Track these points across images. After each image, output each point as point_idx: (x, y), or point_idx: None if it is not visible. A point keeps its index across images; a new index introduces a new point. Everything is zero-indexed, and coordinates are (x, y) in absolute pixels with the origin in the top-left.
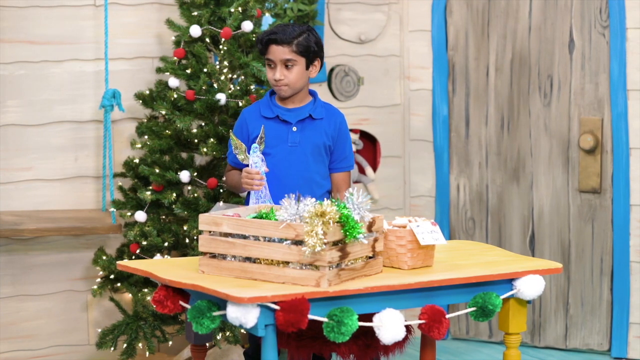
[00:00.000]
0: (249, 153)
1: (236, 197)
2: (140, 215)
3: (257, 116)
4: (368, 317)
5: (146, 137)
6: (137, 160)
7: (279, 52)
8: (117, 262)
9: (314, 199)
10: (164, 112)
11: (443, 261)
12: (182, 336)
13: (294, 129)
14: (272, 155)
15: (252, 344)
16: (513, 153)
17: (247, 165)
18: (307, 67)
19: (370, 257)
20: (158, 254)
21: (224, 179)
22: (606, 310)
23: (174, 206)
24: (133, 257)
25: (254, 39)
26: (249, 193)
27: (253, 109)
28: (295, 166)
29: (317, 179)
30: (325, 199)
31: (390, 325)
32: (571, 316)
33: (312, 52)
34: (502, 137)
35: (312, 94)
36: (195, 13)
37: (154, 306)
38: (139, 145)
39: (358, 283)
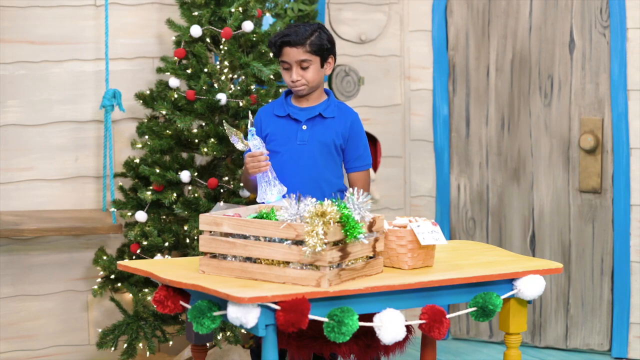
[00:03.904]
0: (246, 139)
1: (237, 197)
2: (141, 215)
3: (270, 115)
4: (368, 317)
5: (147, 137)
6: (137, 160)
7: (293, 53)
8: (118, 262)
9: (314, 199)
10: (164, 112)
11: (443, 261)
12: (183, 336)
13: (304, 127)
14: (281, 154)
15: (256, 342)
16: (513, 153)
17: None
18: (322, 65)
19: (370, 257)
20: (158, 254)
21: (240, 176)
22: (606, 310)
23: (174, 206)
24: (133, 257)
25: (254, 39)
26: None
27: (268, 108)
28: (304, 164)
29: (327, 177)
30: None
31: (390, 325)
32: (571, 316)
33: (326, 50)
34: (503, 137)
35: (328, 93)
36: (196, 13)
37: (155, 306)
38: (140, 145)
39: (358, 283)
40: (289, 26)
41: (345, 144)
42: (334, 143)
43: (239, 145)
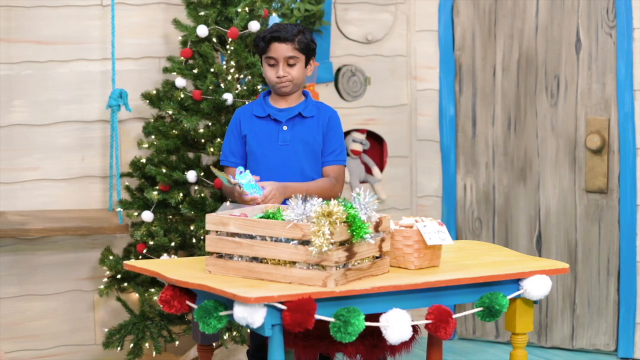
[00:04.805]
0: (234, 178)
1: None
2: (147, 215)
3: (249, 115)
4: (375, 317)
5: (153, 137)
6: (144, 160)
7: (281, 49)
8: (124, 262)
9: (320, 199)
10: (170, 112)
11: (450, 261)
12: (189, 336)
13: (285, 127)
14: (263, 155)
15: (252, 344)
16: (520, 153)
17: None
18: (305, 65)
19: (377, 257)
20: (165, 254)
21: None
22: (613, 311)
23: (180, 206)
24: (140, 257)
25: None
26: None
27: (247, 108)
28: (288, 165)
29: (314, 177)
30: None
31: (397, 325)
32: (578, 316)
33: (311, 50)
34: (509, 137)
35: (305, 94)
36: (202, 13)
37: (161, 306)
38: (146, 145)
39: (365, 283)
40: (275, 25)
41: (323, 138)
42: (316, 142)
43: (232, 185)
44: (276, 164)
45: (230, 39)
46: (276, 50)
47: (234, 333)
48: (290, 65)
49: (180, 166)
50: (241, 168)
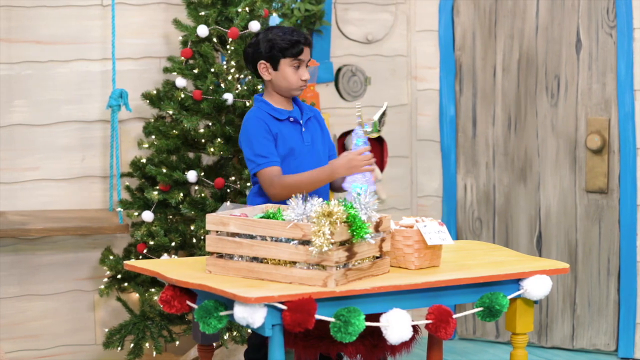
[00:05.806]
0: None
1: (243, 197)
2: (148, 215)
3: (270, 117)
4: (375, 317)
5: (153, 137)
6: (144, 160)
7: (307, 52)
8: (124, 262)
9: (320, 199)
10: (171, 112)
11: (450, 261)
12: (189, 336)
13: (303, 129)
14: (294, 157)
15: (250, 345)
16: (520, 153)
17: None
18: None
19: (377, 257)
20: (165, 254)
21: (286, 184)
22: (613, 311)
23: (181, 206)
24: (140, 257)
25: None
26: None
27: (260, 112)
28: (316, 164)
29: None
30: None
31: (397, 325)
32: (578, 316)
33: None
34: (509, 137)
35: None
36: (203, 13)
37: (161, 306)
38: (146, 145)
39: (365, 283)
40: (286, 28)
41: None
42: (322, 140)
43: (361, 135)
44: (305, 165)
45: (230, 39)
46: (305, 54)
47: (234, 333)
48: (306, 67)
49: (180, 166)
50: (374, 119)
